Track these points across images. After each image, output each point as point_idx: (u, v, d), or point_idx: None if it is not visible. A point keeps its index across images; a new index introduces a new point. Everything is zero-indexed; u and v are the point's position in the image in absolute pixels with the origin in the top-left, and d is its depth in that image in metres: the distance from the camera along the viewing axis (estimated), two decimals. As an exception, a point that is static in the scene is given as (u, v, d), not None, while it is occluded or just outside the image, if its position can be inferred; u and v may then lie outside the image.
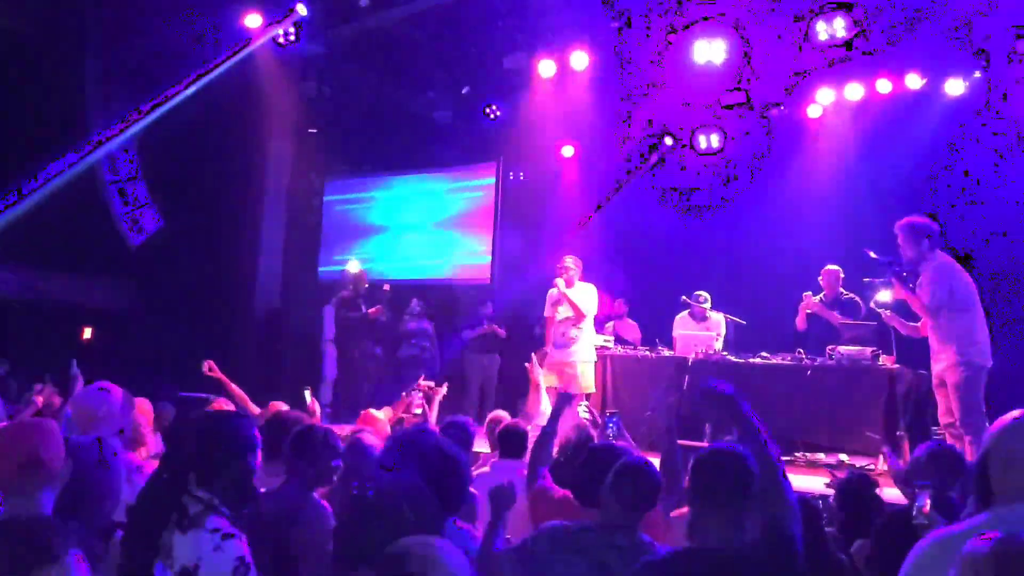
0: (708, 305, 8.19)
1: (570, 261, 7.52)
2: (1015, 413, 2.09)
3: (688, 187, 10.12)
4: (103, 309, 12.82)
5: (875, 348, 6.65)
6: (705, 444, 5.29)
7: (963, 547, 1.64)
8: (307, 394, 5.67)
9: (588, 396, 7.27)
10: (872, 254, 5.98)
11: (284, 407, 5.25)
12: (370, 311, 9.45)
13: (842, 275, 7.52)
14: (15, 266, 11.69)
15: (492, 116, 11.23)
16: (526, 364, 6.22)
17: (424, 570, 1.41)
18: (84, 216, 11.57)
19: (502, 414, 5.23)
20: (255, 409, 5.39)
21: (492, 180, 11.31)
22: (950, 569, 1.67)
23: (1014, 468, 1.96)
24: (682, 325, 8.21)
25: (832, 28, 8.10)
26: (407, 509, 2.00)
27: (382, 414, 5.56)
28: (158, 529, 2.29)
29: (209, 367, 5.74)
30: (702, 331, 7.96)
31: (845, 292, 7.46)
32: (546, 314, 7.65)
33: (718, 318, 8.16)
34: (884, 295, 6.15)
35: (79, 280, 12.32)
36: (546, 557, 2.81)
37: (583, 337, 7.41)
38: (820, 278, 7.54)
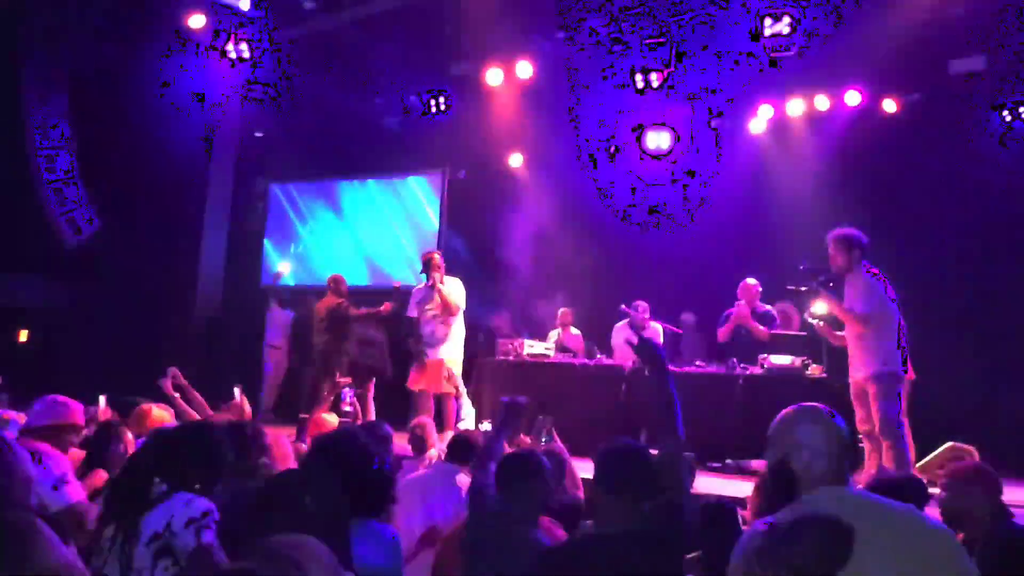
0: (647, 316, 8.33)
1: (438, 257, 7.55)
2: (793, 409, 2.34)
3: (627, 199, 10.27)
4: (35, 309, 12.53)
5: (805, 358, 6.83)
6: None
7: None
8: (236, 391, 5.68)
9: (457, 397, 7.34)
10: (801, 267, 6.14)
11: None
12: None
13: (760, 288, 7.71)
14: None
15: (439, 110, 11.09)
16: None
17: (299, 559, 1.43)
18: (14, 213, 11.32)
19: (425, 420, 5.29)
20: (211, 413, 5.43)
21: (439, 188, 11.34)
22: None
23: (818, 454, 2.19)
24: (621, 334, 8.33)
25: (777, 28, 8.09)
26: (310, 504, 2.01)
27: (333, 418, 5.61)
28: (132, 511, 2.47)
29: (173, 374, 5.64)
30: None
31: (762, 305, 7.66)
32: (410, 314, 7.61)
33: (656, 327, 8.30)
34: (820, 307, 6.32)
35: (9, 279, 12.02)
36: None
37: (453, 334, 7.43)
38: (739, 291, 7.71)
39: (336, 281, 8.42)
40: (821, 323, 6.12)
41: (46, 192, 11.58)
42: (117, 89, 11.10)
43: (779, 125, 9.80)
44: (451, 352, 7.39)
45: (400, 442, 5.08)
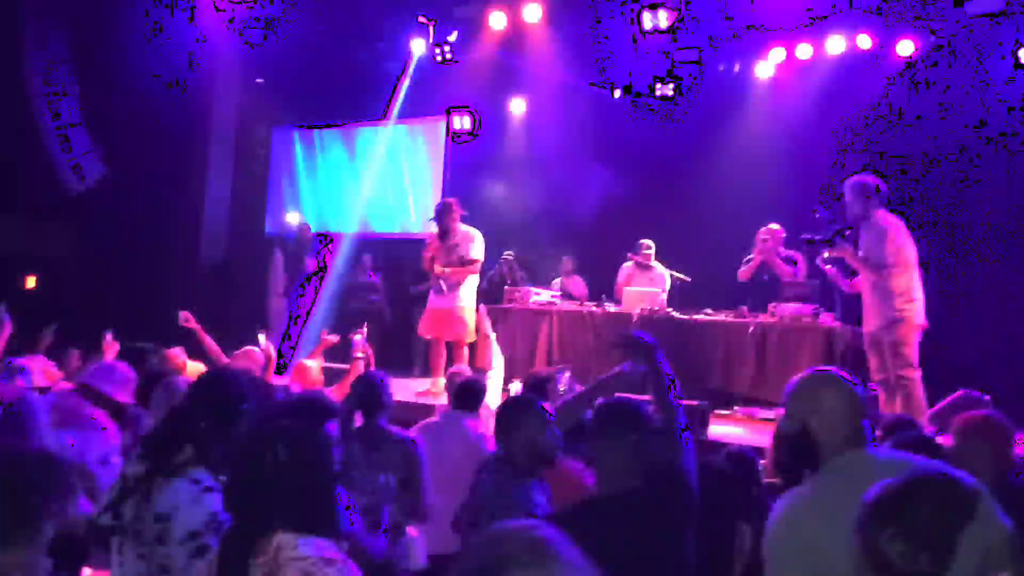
0: (652, 253, 8.24)
1: (454, 205, 7.46)
2: (810, 374, 2.31)
3: (636, 142, 10.12)
4: (42, 256, 12.50)
5: (817, 306, 6.79)
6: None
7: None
8: (261, 337, 5.68)
9: (470, 346, 7.29)
10: (820, 213, 6.07)
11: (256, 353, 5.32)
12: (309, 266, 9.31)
13: (784, 234, 7.64)
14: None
15: (442, 59, 10.95)
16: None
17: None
18: (19, 159, 11.22)
19: (463, 368, 5.28)
20: (226, 360, 5.42)
21: (441, 133, 11.21)
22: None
23: (841, 420, 2.16)
24: (626, 274, 8.27)
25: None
26: (283, 450, 1.97)
27: (314, 363, 5.60)
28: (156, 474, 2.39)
29: (185, 318, 5.67)
30: (647, 281, 8.03)
31: (784, 249, 7.60)
32: (426, 268, 7.57)
33: (662, 271, 8.24)
34: (832, 254, 6.25)
35: (15, 225, 11.96)
36: None
37: (467, 282, 7.38)
38: (762, 236, 7.64)
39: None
40: (833, 268, 6.08)
41: (50, 138, 11.46)
42: (118, 34, 10.91)
43: (788, 70, 9.60)
44: (465, 300, 7.35)
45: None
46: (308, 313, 10.21)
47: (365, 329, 5.85)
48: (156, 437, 2.51)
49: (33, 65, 11.31)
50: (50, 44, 11.37)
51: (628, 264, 8.36)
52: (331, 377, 5.65)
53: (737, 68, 9.75)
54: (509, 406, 3.14)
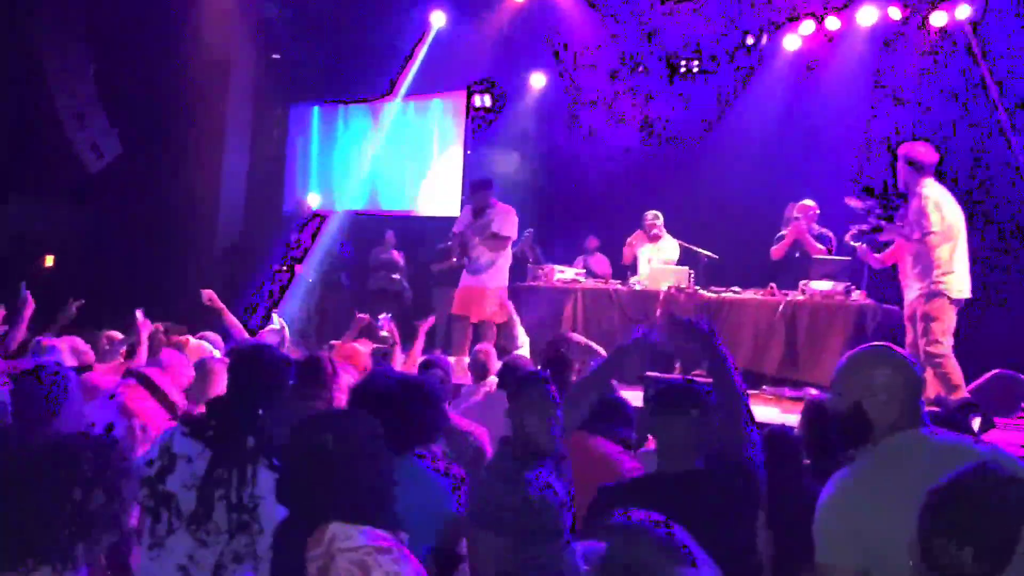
0: (660, 222, 8.08)
1: (487, 184, 7.40)
2: (865, 350, 2.21)
3: (662, 118, 9.93)
4: (60, 236, 12.48)
5: (848, 283, 6.63)
6: (677, 376, 5.29)
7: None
8: (275, 316, 5.63)
9: (499, 326, 7.18)
10: (853, 202, 5.93)
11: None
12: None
13: (818, 211, 7.47)
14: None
15: (462, 43, 10.86)
16: None
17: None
18: (37, 139, 11.17)
19: (488, 347, 5.20)
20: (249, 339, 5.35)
21: (461, 109, 11.07)
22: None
23: (894, 397, 2.06)
24: (636, 241, 8.16)
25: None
26: (331, 441, 1.88)
27: (364, 348, 5.52)
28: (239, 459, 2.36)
29: (208, 297, 5.60)
30: (655, 251, 7.91)
31: (818, 227, 7.42)
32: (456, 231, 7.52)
33: (671, 242, 8.08)
34: (862, 229, 6.09)
35: (33, 205, 11.95)
36: None
37: (498, 262, 7.27)
38: (795, 213, 7.46)
39: None
40: (863, 245, 5.92)
41: (67, 117, 11.39)
42: (133, 11, 10.82)
43: (817, 42, 9.36)
44: (495, 280, 7.24)
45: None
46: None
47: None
48: (218, 421, 2.45)
49: (49, 42, 11.24)
50: (66, 22, 11.29)
51: (636, 233, 8.23)
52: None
53: (764, 40, 9.52)
54: (514, 389, 2.91)
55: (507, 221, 7.23)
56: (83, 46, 11.53)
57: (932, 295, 5.42)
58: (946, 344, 5.43)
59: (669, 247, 8.06)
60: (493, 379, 4.57)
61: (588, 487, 2.81)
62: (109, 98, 11.69)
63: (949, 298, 5.43)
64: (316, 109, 12.37)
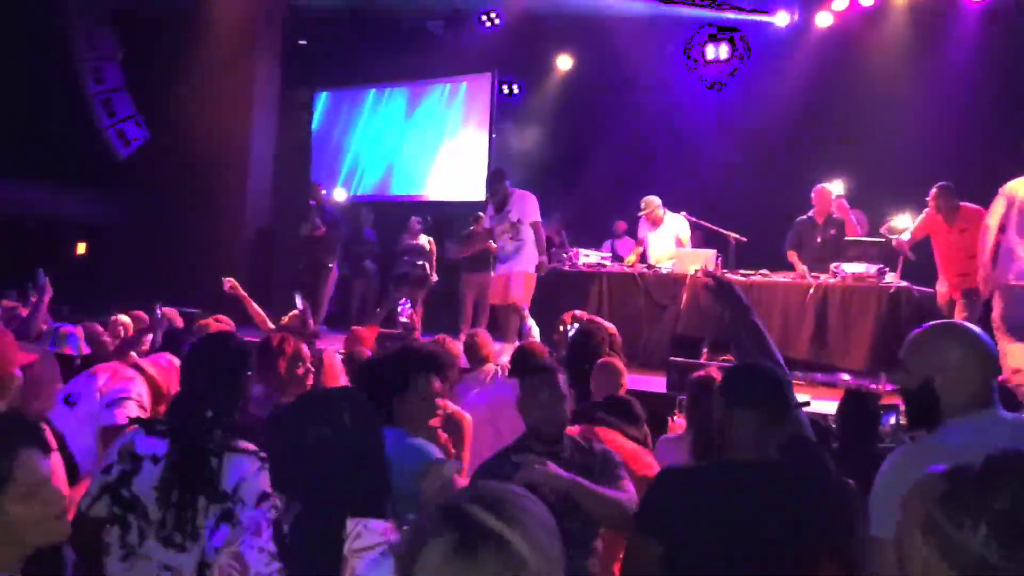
0: (652, 207, 7.87)
1: (501, 173, 7.34)
2: (936, 326, 2.10)
3: (689, 98, 9.79)
4: (91, 223, 12.61)
5: (881, 266, 6.48)
6: (703, 362, 5.19)
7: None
8: (297, 299, 5.60)
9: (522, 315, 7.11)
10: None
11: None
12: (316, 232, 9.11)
13: (834, 195, 7.30)
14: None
15: (490, 24, 10.80)
16: None
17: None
18: (66, 126, 11.27)
19: (478, 329, 5.14)
20: (271, 326, 5.33)
21: (486, 93, 10.98)
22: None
23: (968, 376, 1.96)
24: (641, 231, 8.07)
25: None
26: (345, 410, 1.75)
27: (369, 332, 5.49)
28: (203, 457, 2.26)
29: (231, 285, 5.57)
30: (660, 238, 7.82)
31: (836, 212, 7.28)
32: (486, 226, 7.51)
33: (671, 221, 7.90)
34: (900, 221, 5.95)
35: (64, 192, 12.07)
36: None
37: (523, 248, 7.19)
38: (812, 197, 7.32)
39: None
40: (898, 238, 5.79)
41: (94, 104, 11.48)
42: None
43: (850, 17, 9.15)
44: (521, 264, 7.19)
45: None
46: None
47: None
48: (180, 415, 2.37)
49: (79, 31, 11.31)
50: (94, 10, 11.35)
51: (641, 222, 8.12)
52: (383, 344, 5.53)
53: (796, 18, 9.33)
54: (530, 379, 2.80)
55: (525, 205, 7.18)
56: (112, 34, 11.60)
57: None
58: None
59: (674, 225, 7.90)
60: (491, 365, 4.50)
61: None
62: (137, 85, 11.77)
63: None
64: (340, 95, 12.35)
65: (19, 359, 2.33)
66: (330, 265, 9.17)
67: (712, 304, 2.79)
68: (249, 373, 2.45)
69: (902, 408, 2.60)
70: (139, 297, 6.05)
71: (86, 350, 4.00)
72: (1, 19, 10.31)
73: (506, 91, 11.06)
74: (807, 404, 2.42)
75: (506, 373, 4.34)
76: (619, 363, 3.89)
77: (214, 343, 2.57)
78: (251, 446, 2.28)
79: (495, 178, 7.31)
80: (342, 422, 1.74)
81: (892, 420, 2.63)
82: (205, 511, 2.22)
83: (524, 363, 3.97)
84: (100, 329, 4.57)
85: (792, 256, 7.23)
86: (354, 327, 5.73)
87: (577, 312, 5.59)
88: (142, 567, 2.23)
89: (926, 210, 6.17)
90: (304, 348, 3.39)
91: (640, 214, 8.00)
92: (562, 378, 2.73)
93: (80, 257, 12.74)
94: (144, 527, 2.23)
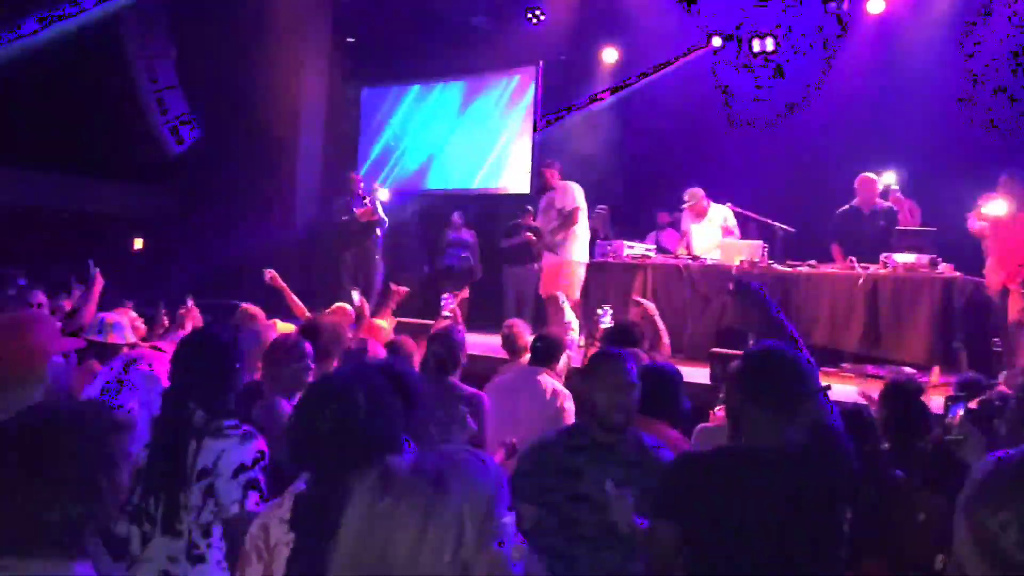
0: (693, 202, 7.80)
1: (549, 168, 7.41)
2: None
3: (736, 89, 9.64)
4: (148, 218, 12.91)
5: (933, 256, 6.31)
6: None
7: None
8: (355, 294, 5.65)
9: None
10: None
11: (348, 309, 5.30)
12: (359, 212, 9.16)
13: (880, 184, 7.12)
14: (55, 174, 11.74)
15: (535, 20, 10.76)
16: None
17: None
18: (124, 122, 11.53)
19: (515, 320, 5.13)
20: (310, 316, 5.35)
21: (532, 86, 10.97)
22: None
23: None
24: (684, 224, 8.00)
25: None
26: (361, 397, 1.81)
27: (385, 323, 5.53)
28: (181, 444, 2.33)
29: (271, 277, 5.64)
30: (703, 230, 7.73)
31: (882, 201, 7.10)
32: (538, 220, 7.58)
33: (715, 213, 7.79)
34: (995, 207, 5.77)
35: (122, 189, 12.37)
36: None
37: (571, 238, 7.21)
38: (856, 186, 7.16)
39: None
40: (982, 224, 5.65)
41: (149, 102, 11.73)
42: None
43: (902, 4, 8.92)
44: (567, 253, 7.20)
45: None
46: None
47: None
48: (166, 407, 2.43)
49: (133, 30, 11.57)
50: (146, 8, 11.59)
51: (684, 214, 8.04)
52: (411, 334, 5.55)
53: (845, 5, 9.13)
54: (590, 365, 2.82)
55: (567, 195, 7.21)
56: (165, 33, 11.84)
57: None
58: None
59: (718, 215, 7.81)
60: (526, 357, 4.51)
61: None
62: (188, 83, 12.00)
63: None
64: (387, 90, 12.44)
65: (58, 346, 2.38)
66: (377, 258, 9.25)
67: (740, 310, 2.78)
68: (237, 366, 2.50)
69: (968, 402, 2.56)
70: (188, 290, 6.15)
71: (132, 338, 4.09)
72: (58, 19, 10.59)
73: (551, 84, 11.02)
74: (828, 388, 2.36)
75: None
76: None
77: (202, 336, 2.65)
78: (234, 425, 2.36)
79: (540, 173, 7.35)
80: (353, 400, 1.80)
81: (960, 411, 2.55)
82: (189, 493, 2.30)
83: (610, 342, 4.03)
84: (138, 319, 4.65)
85: (836, 250, 7.08)
86: (372, 320, 5.76)
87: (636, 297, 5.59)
88: (146, 569, 2.31)
89: (991, 195, 5.94)
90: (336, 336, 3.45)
91: (684, 206, 7.92)
92: (633, 366, 2.69)
93: (137, 251, 13.05)
94: (147, 527, 2.32)
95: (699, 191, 7.80)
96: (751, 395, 2.32)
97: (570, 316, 6.61)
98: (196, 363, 2.43)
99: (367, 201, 9.14)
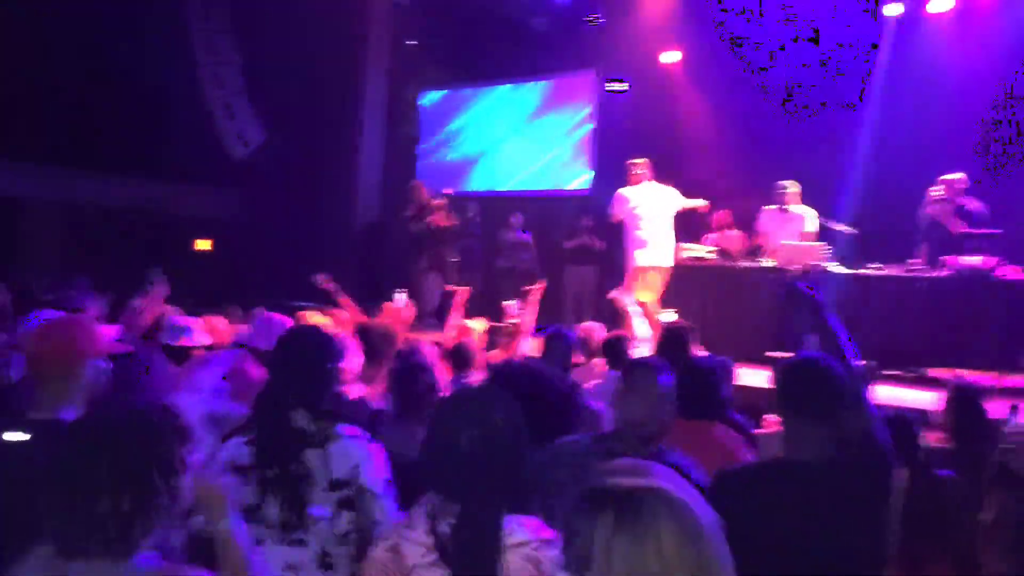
0: (787, 194, 7.62)
1: (637, 167, 7.37)
2: None
3: (802, 89, 9.53)
4: (214, 220, 13.24)
5: (1000, 258, 6.20)
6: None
7: None
8: (400, 296, 5.71)
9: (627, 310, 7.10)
10: None
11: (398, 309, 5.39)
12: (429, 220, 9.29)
13: (964, 184, 7.01)
14: (123, 175, 12.10)
15: (594, 23, 10.78)
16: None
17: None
18: (190, 124, 11.84)
19: (592, 325, 5.17)
20: (364, 318, 5.44)
21: (591, 88, 11.00)
22: None
23: None
24: (767, 217, 7.83)
25: None
26: (497, 411, 1.80)
27: (478, 324, 5.59)
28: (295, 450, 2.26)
29: (323, 279, 5.72)
30: (783, 224, 7.58)
31: (963, 199, 6.97)
32: (615, 218, 7.49)
33: (800, 211, 7.59)
34: None
35: (189, 191, 12.71)
36: None
37: (650, 239, 7.18)
38: (939, 188, 7.03)
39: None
40: None
41: (216, 106, 12.03)
42: (275, 2, 11.28)
43: (966, 4, 8.73)
44: (646, 258, 7.20)
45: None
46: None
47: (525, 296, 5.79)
48: (266, 412, 2.36)
49: (198, 36, 11.88)
50: (213, 15, 11.90)
51: (770, 207, 7.86)
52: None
53: (902, 9, 8.98)
54: (627, 373, 2.68)
55: (611, 200, 7.23)
56: (231, 39, 12.15)
57: None
58: None
59: (803, 219, 7.62)
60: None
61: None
62: (253, 87, 12.29)
63: None
64: (446, 94, 12.57)
65: (98, 348, 2.39)
66: (452, 260, 9.39)
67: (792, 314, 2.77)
68: (337, 364, 2.46)
69: None
70: (253, 292, 6.33)
71: (206, 341, 4.17)
72: (128, 27, 10.95)
73: (611, 86, 11.03)
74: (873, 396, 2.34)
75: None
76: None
77: (299, 335, 2.57)
78: (354, 429, 2.31)
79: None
80: (494, 423, 1.80)
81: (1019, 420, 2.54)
82: (320, 501, 2.23)
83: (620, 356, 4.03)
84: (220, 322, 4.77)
85: (922, 250, 6.97)
86: (462, 321, 5.85)
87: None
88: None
89: None
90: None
91: (778, 192, 7.70)
92: (666, 378, 2.59)
93: (204, 253, 13.40)
94: (261, 532, 2.23)
95: (793, 185, 7.66)
96: (787, 407, 2.30)
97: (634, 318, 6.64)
98: (297, 363, 2.37)
99: (435, 206, 9.29)
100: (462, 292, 5.88)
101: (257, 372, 3.29)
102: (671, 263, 7.29)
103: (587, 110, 11.13)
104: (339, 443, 2.27)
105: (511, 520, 1.71)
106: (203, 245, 13.38)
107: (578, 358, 5.05)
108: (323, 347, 2.45)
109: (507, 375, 2.82)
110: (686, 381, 3.19)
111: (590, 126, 11.06)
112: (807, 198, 7.86)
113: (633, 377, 2.59)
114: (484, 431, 1.77)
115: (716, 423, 3.24)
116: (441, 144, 12.54)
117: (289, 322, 3.78)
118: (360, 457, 2.26)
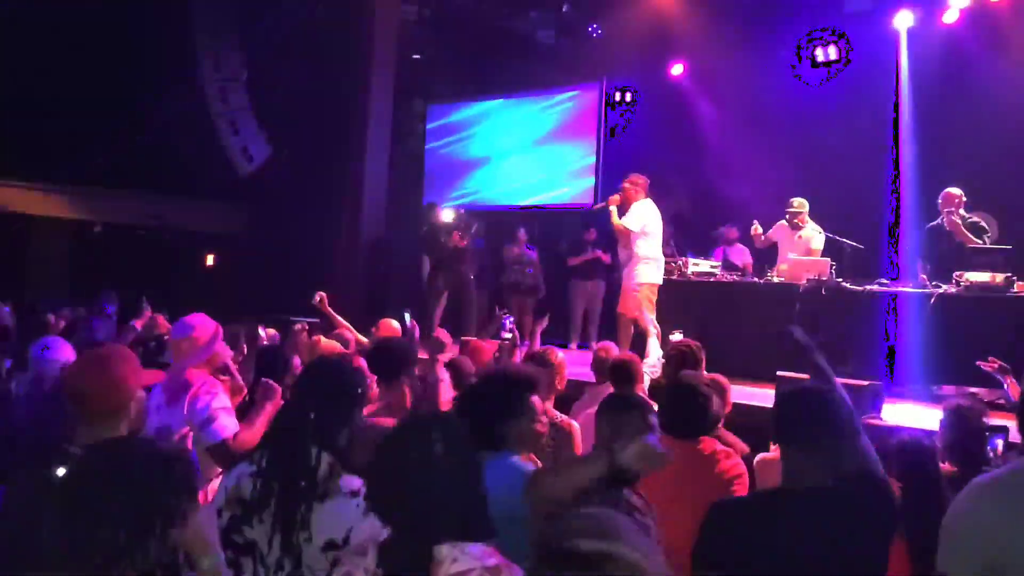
0: (797, 212, 7.60)
1: (627, 184, 7.28)
2: None
3: (802, 103, 9.51)
4: (219, 235, 13.28)
5: (1008, 274, 6.12)
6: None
7: None
8: (406, 315, 5.65)
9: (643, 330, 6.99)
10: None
11: (395, 325, 5.32)
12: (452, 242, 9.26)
13: (964, 199, 6.94)
14: (133, 192, 12.15)
15: (596, 35, 10.82)
16: None
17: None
18: (195, 140, 11.89)
19: (609, 344, 5.13)
20: (363, 340, 5.34)
21: (596, 102, 10.97)
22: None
23: None
24: (777, 233, 7.78)
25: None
26: (438, 439, 1.80)
27: (489, 345, 5.53)
28: (304, 502, 2.17)
29: (320, 299, 5.59)
30: (792, 241, 7.54)
31: (967, 215, 6.91)
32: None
33: (811, 232, 7.59)
34: None
35: (194, 206, 12.75)
36: None
37: (634, 258, 7.13)
38: (939, 201, 6.97)
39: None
40: None
41: (221, 123, 12.07)
42: (281, 19, 11.33)
43: (979, 13, 8.68)
44: (632, 277, 7.15)
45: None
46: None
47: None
48: (283, 446, 2.26)
49: (205, 53, 11.94)
50: (219, 33, 11.95)
51: (781, 223, 7.81)
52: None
53: (914, 20, 8.94)
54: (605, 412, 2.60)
55: (629, 213, 7.16)
56: (237, 55, 12.20)
57: None
58: None
59: (812, 237, 7.60)
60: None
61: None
62: (257, 102, 12.32)
63: None
64: (453, 107, 12.57)
65: (141, 379, 2.44)
66: (472, 277, 9.37)
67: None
68: (360, 396, 2.40)
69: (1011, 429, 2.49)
70: (257, 306, 6.31)
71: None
72: (134, 44, 11.01)
73: (617, 98, 11.02)
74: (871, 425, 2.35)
75: None
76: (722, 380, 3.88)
77: (327, 368, 2.50)
78: (355, 484, 2.20)
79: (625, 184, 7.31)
80: (434, 450, 1.79)
81: (1000, 443, 2.48)
82: (314, 557, 2.16)
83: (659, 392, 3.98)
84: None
85: (920, 267, 6.88)
86: (472, 339, 5.79)
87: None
88: None
89: None
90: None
91: (791, 211, 7.67)
92: (654, 418, 2.55)
93: (209, 267, 13.44)
94: (257, 569, 2.18)
95: (806, 204, 7.63)
96: (783, 437, 2.33)
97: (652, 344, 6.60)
98: (321, 398, 2.29)
99: (452, 226, 9.29)
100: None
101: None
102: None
103: (591, 122, 11.09)
104: (336, 502, 2.18)
105: (454, 548, 1.67)
106: (208, 260, 13.43)
107: (590, 377, 5.02)
108: (349, 382, 2.38)
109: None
110: (673, 400, 3.20)
111: (595, 137, 11.02)
112: (813, 212, 7.83)
113: (626, 418, 2.49)
114: (422, 458, 1.78)
115: (702, 439, 3.24)
116: (446, 158, 12.52)
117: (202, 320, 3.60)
118: (354, 520, 2.15)
